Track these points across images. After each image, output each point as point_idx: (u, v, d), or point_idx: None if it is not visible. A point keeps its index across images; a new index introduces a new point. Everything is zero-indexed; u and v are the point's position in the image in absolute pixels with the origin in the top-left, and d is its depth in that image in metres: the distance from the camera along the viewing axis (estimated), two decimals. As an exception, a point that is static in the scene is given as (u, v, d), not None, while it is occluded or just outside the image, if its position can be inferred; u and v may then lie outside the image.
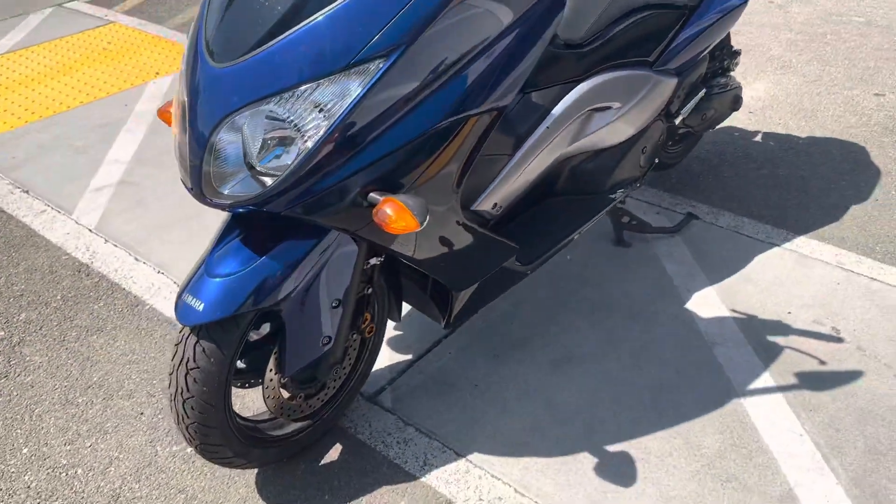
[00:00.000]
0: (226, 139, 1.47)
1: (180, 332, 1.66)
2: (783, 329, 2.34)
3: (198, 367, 1.61)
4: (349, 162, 1.47)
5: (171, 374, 1.66)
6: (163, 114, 1.79)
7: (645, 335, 2.33)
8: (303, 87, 1.41)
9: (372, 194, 1.51)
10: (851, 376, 2.17)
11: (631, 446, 1.99)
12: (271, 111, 1.44)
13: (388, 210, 1.45)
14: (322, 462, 1.98)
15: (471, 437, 2.02)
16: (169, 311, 2.50)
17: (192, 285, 1.60)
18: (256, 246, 1.62)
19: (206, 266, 1.61)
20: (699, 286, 2.52)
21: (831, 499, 1.84)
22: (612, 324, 2.38)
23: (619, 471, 1.93)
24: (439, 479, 1.92)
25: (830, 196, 2.99)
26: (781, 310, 2.42)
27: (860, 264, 2.61)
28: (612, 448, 1.99)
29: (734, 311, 2.42)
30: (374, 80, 1.42)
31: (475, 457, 1.97)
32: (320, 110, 1.42)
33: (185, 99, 1.52)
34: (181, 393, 1.64)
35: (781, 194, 3.00)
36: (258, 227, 1.65)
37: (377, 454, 1.99)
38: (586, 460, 1.96)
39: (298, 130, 1.44)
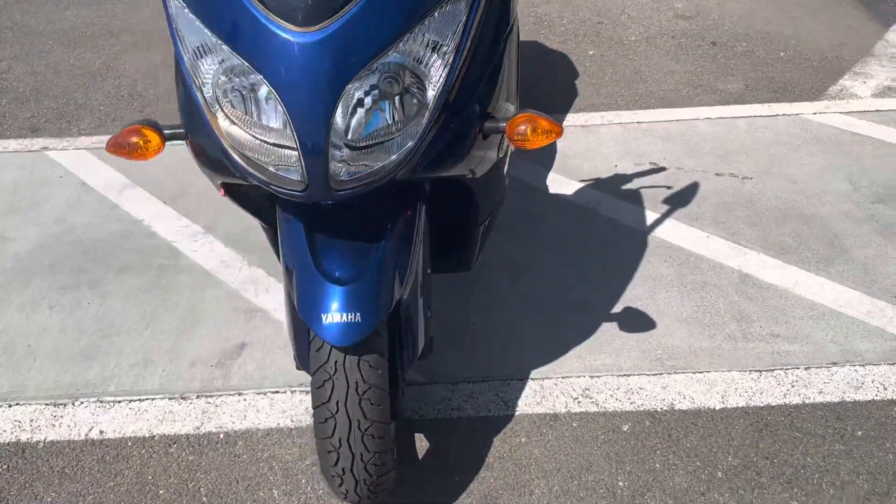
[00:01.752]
0: (339, 113, 1.27)
1: (322, 366, 1.39)
2: (624, 178, 2.80)
3: (370, 387, 1.39)
4: (465, 96, 1.39)
5: (332, 418, 1.40)
6: (114, 146, 1.41)
7: (549, 229, 2.57)
8: (419, 26, 1.28)
9: (486, 124, 1.45)
10: (694, 187, 2.74)
11: (624, 302, 2.25)
12: (382, 66, 1.27)
13: (524, 127, 1.42)
14: (421, 454, 1.84)
15: (513, 363, 2.07)
16: (78, 434, 1.94)
17: (325, 303, 1.36)
18: (361, 235, 1.44)
19: (327, 277, 1.38)
20: (541, 177, 2.84)
21: (751, 261, 2.37)
22: (524, 234, 2.55)
23: (636, 322, 2.18)
24: (527, 404, 1.95)
25: (560, 83, 3.55)
26: (609, 166, 2.88)
27: (620, 116, 3.22)
28: (615, 310, 2.23)
29: (581, 181, 2.80)
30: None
31: (536, 373, 2.03)
32: (436, 48, 1.32)
33: (265, 82, 1.24)
34: (358, 426, 1.40)
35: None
36: (341, 214, 1.45)
37: (459, 420, 1.92)
38: (610, 328, 2.16)
39: (416, 78, 1.30)
